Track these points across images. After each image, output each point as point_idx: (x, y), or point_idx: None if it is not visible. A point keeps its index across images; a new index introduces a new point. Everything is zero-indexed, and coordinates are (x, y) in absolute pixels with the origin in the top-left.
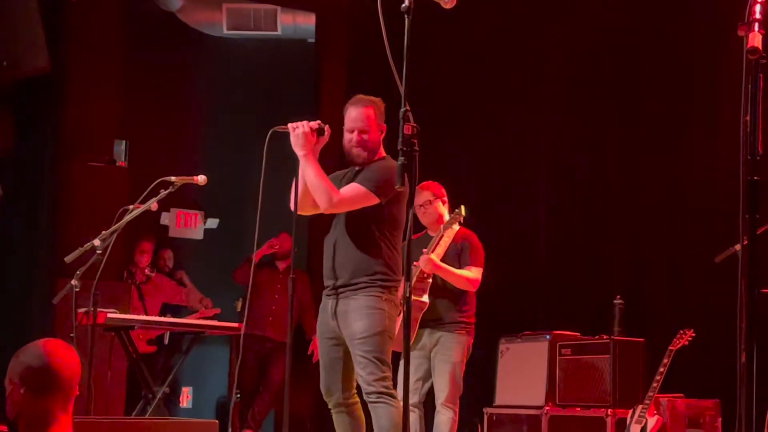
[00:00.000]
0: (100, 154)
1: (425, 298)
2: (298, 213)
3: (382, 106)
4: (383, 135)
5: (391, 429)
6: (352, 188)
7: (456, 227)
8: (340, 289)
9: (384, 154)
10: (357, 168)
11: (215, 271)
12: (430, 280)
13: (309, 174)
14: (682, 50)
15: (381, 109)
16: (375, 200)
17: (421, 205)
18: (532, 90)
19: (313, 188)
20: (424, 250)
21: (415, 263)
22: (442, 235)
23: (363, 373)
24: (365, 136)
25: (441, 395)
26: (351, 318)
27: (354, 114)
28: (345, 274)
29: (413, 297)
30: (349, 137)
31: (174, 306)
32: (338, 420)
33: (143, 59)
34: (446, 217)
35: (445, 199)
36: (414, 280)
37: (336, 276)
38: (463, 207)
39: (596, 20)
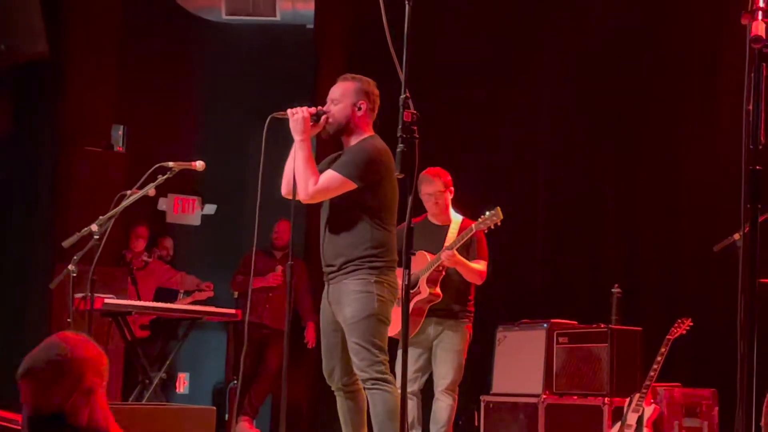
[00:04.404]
0: (98, 139)
1: (438, 290)
2: (290, 197)
3: (369, 86)
4: (361, 113)
5: (385, 415)
6: (327, 176)
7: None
8: (331, 275)
9: (371, 133)
10: (340, 151)
11: (212, 257)
12: (444, 273)
13: (299, 159)
14: (683, 38)
15: (365, 88)
16: (352, 185)
17: (431, 194)
18: (531, 78)
19: (297, 174)
20: (446, 245)
21: (423, 253)
22: (474, 232)
23: (356, 360)
24: (332, 107)
25: (442, 382)
26: (342, 303)
27: (333, 87)
28: (334, 260)
29: (428, 289)
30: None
31: (169, 290)
32: (340, 403)
33: (141, 44)
34: (451, 209)
35: (452, 188)
36: (429, 272)
37: (326, 262)
38: (499, 209)
39: (597, 7)
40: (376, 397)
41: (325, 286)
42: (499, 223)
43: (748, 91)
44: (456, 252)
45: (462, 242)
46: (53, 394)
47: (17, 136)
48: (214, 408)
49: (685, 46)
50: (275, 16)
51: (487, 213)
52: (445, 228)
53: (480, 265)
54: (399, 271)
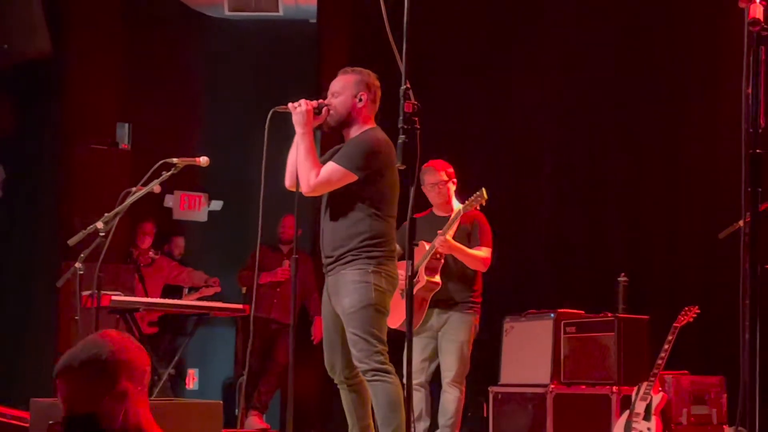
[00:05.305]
0: (103, 136)
1: (437, 278)
2: (294, 189)
3: (370, 78)
4: (361, 105)
5: (388, 406)
6: (328, 168)
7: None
8: (329, 266)
9: (372, 125)
10: (342, 144)
11: (220, 253)
12: (443, 261)
13: (300, 152)
14: (682, 22)
15: (366, 80)
16: (353, 178)
17: (435, 184)
18: (535, 68)
19: (299, 167)
20: (439, 231)
21: (423, 242)
22: (461, 215)
23: (354, 351)
24: (333, 99)
25: (448, 374)
26: (340, 294)
27: (334, 80)
28: (332, 251)
29: (426, 277)
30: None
31: (176, 287)
32: (343, 396)
33: (145, 41)
34: (454, 199)
35: (455, 180)
36: (427, 260)
37: (325, 253)
38: (484, 189)
39: None
40: (378, 389)
41: (326, 279)
42: (483, 203)
43: (747, 74)
44: (449, 237)
45: (453, 225)
46: (86, 394)
47: (22, 134)
48: (221, 402)
49: (687, 28)
50: (278, 11)
51: (473, 195)
52: (447, 218)
53: (482, 252)
54: (403, 264)
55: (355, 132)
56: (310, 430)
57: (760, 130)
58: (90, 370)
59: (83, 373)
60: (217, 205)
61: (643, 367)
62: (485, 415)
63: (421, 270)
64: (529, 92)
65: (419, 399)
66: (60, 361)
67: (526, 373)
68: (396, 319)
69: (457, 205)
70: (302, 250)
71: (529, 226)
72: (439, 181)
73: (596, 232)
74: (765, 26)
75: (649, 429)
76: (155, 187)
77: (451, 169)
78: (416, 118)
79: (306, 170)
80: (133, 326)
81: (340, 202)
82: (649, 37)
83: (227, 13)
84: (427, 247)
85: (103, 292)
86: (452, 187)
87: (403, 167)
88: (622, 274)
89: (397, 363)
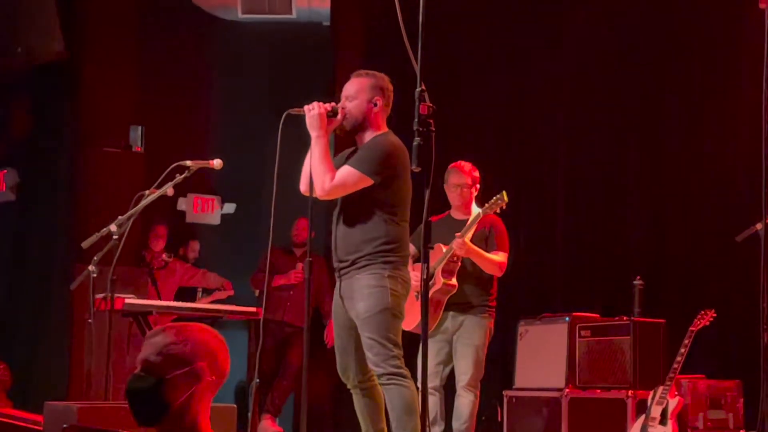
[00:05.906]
0: (116, 139)
1: (454, 281)
2: (307, 194)
3: (384, 82)
4: (377, 109)
5: (403, 410)
6: (344, 172)
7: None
8: (343, 270)
9: (385, 129)
10: (355, 147)
11: (233, 256)
12: (459, 264)
13: (315, 155)
14: (703, 22)
15: (380, 84)
16: (368, 182)
17: (458, 185)
18: (551, 68)
19: (313, 170)
20: (457, 234)
21: (439, 245)
22: (480, 219)
23: (370, 355)
24: (348, 103)
25: (463, 378)
26: (355, 299)
27: (347, 83)
28: (346, 255)
29: (443, 280)
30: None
31: (190, 289)
32: (356, 400)
33: (158, 44)
34: (474, 204)
35: (478, 186)
36: (444, 262)
37: (339, 257)
38: (504, 193)
39: None
40: (393, 393)
41: (337, 282)
42: (504, 207)
43: None
44: (467, 240)
45: (471, 228)
46: (164, 361)
47: (35, 137)
48: (235, 406)
49: (708, 28)
50: (291, 14)
51: (493, 198)
52: (465, 222)
53: (498, 257)
54: (418, 266)
55: (368, 136)
56: None
57: None
58: (176, 338)
59: (169, 339)
60: (230, 208)
61: (659, 371)
62: (500, 419)
63: (438, 272)
64: (543, 93)
65: (434, 403)
66: (149, 334)
67: (540, 377)
68: (411, 321)
69: (475, 209)
70: (316, 252)
71: (544, 229)
72: (463, 183)
73: (612, 236)
74: None
75: None
76: (168, 190)
77: (477, 174)
78: (431, 120)
79: (320, 174)
80: (147, 329)
81: (355, 206)
82: (670, 34)
83: (240, 15)
84: (444, 249)
85: (116, 295)
86: (474, 193)
87: (418, 170)
88: (638, 277)
89: (410, 367)
